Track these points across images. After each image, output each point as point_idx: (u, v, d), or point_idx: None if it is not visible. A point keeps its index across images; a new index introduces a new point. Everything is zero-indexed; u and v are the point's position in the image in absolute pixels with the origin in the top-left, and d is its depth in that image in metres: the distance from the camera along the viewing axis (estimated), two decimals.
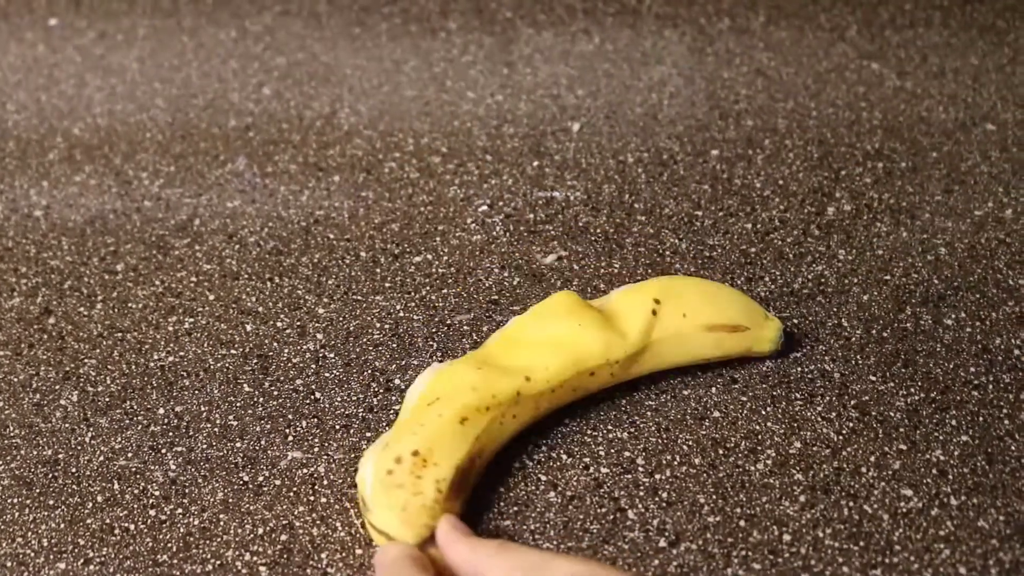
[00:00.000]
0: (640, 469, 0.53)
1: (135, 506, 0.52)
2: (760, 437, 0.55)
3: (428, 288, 0.63)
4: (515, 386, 0.51)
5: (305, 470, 0.54)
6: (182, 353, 0.60)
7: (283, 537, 0.51)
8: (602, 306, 0.55)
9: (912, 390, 0.57)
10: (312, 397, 0.57)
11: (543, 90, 0.78)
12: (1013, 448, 0.54)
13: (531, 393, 0.52)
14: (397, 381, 0.58)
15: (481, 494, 0.52)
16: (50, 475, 0.54)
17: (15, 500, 0.53)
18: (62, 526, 0.52)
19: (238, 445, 0.55)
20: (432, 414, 0.50)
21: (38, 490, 0.53)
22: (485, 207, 0.68)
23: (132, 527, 0.51)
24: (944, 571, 0.49)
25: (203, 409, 0.57)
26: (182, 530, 0.51)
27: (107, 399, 0.57)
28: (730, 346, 0.56)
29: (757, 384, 0.57)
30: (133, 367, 0.59)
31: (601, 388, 0.54)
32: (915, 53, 0.81)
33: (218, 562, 0.50)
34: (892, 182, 0.70)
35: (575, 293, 0.56)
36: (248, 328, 0.61)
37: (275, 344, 0.60)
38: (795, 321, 0.60)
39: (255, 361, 0.59)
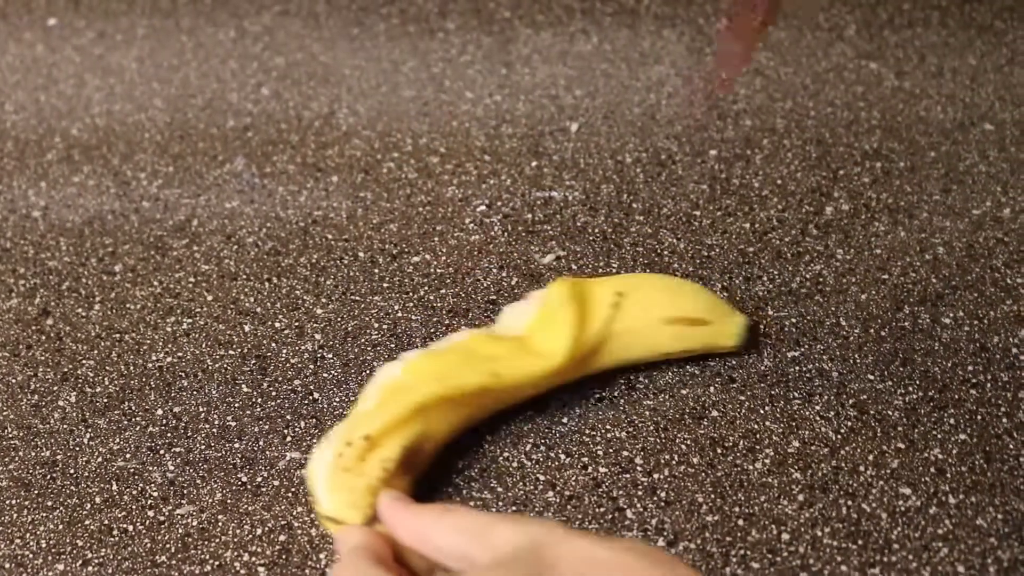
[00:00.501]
0: (638, 469, 0.53)
1: (134, 507, 0.52)
2: (758, 436, 0.55)
3: (426, 288, 0.63)
4: (481, 381, 0.51)
5: (304, 470, 0.54)
6: (180, 354, 0.60)
7: (282, 537, 0.51)
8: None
9: (910, 389, 0.57)
10: (311, 397, 0.57)
11: (541, 90, 0.78)
12: (1011, 446, 0.54)
13: (496, 389, 0.52)
14: None
15: (479, 495, 0.52)
16: (48, 476, 0.54)
17: (14, 501, 0.53)
18: (60, 527, 0.52)
19: (236, 446, 0.55)
20: (394, 403, 0.50)
21: (36, 491, 0.53)
22: (483, 207, 0.68)
23: (131, 528, 0.51)
24: (942, 569, 0.49)
25: (201, 410, 0.57)
26: (180, 531, 0.51)
27: (105, 400, 0.57)
28: (691, 339, 0.56)
29: (755, 383, 0.57)
30: (131, 368, 0.59)
31: (565, 382, 0.55)
32: (913, 53, 0.81)
33: (217, 563, 0.50)
34: (890, 182, 0.70)
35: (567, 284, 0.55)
36: (246, 328, 0.61)
37: (273, 344, 0.60)
38: (793, 320, 0.60)
39: (253, 361, 0.59)
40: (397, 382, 0.51)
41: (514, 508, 0.51)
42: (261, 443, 0.55)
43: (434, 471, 0.53)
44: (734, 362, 0.58)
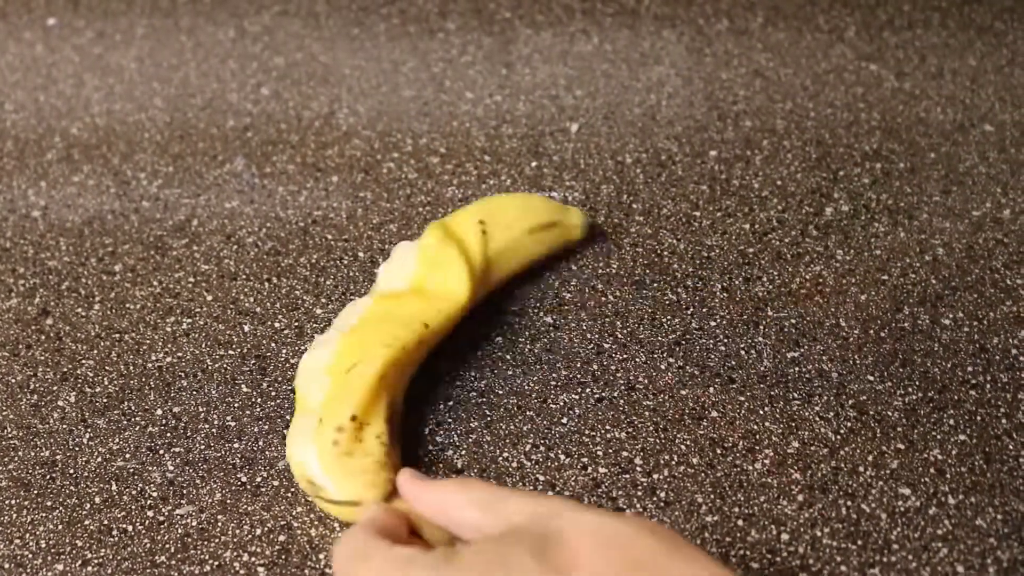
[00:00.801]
0: (638, 469, 0.53)
1: (133, 507, 0.52)
2: (758, 437, 0.55)
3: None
4: (418, 335, 0.54)
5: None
6: (180, 354, 0.60)
7: (281, 538, 0.51)
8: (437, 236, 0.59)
9: (910, 390, 0.57)
10: None
11: (541, 90, 0.78)
12: (1011, 447, 0.54)
13: (428, 337, 0.55)
14: None
15: None
16: (48, 476, 0.54)
17: (13, 501, 0.53)
18: (60, 527, 0.52)
19: (236, 446, 0.55)
20: (356, 378, 0.52)
21: (36, 491, 0.53)
22: None
23: (130, 528, 0.51)
24: (942, 570, 0.49)
25: (201, 410, 0.57)
26: (180, 531, 0.51)
27: (105, 400, 0.57)
28: (550, 241, 0.63)
29: (755, 384, 0.57)
30: (131, 368, 0.59)
31: (470, 310, 0.58)
32: (913, 54, 0.81)
33: (216, 563, 0.50)
34: (890, 183, 0.70)
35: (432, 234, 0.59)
36: (246, 328, 0.61)
37: (273, 345, 0.60)
38: (792, 321, 0.60)
39: (253, 362, 0.59)
40: (339, 363, 0.53)
41: None
42: (260, 443, 0.55)
43: (434, 471, 0.53)
44: (733, 362, 0.58)
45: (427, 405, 0.57)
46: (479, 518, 0.42)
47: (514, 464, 0.53)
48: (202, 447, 0.55)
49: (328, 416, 0.51)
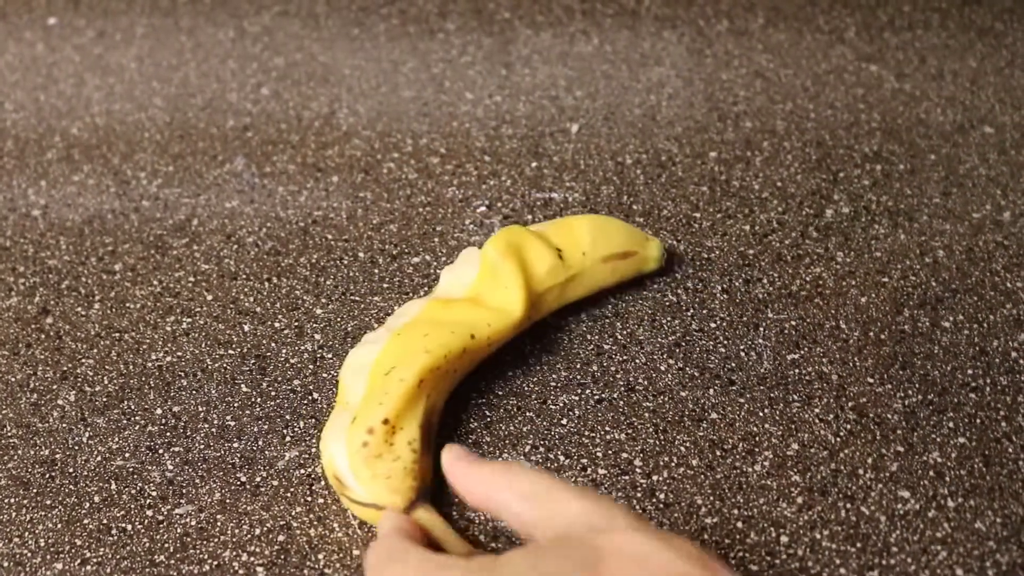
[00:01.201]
0: (638, 470, 0.53)
1: (132, 506, 0.52)
2: (758, 439, 0.55)
3: (426, 289, 0.63)
4: (462, 344, 0.53)
5: (302, 470, 0.54)
6: (180, 353, 0.60)
7: (280, 537, 0.51)
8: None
9: (910, 392, 0.57)
10: (310, 398, 0.57)
11: (541, 91, 0.78)
12: (1010, 450, 0.54)
13: (473, 349, 0.54)
14: None
15: None
16: (47, 475, 0.54)
17: (12, 500, 0.53)
18: (59, 526, 0.52)
19: (235, 445, 0.55)
20: (394, 381, 0.51)
21: (35, 490, 0.53)
22: (483, 208, 0.68)
23: (129, 527, 0.51)
24: (941, 573, 0.49)
25: (201, 409, 0.57)
26: (179, 530, 0.51)
27: (105, 399, 0.57)
28: (624, 271, 0.60)
29: (755, 386, 0.57)
30: (131, 367, 0.59)
31: (524, 328, 0.57)
32: (914, 55, 0.81)
33: (215, 562, 0.50)
34: (890, 184, 0.70)
35: (501, 241, 0.57)
36: (246, 328, 0.61)
37: (273, 344, 0.60)
38: (792, 323, 0.61)
39: (253, 361, 0.59)
40: (381, 363, 0.52)
41: None
42: (260, 443, 0.55)
43: (435, 472, 0.53)
44: (733, 364, 0.58)
45: None
46: (527, 512, 0.41)
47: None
48: (201, 447, 0.55)
49: (362, 416, 0.50)
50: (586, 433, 0.55)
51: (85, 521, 0.52)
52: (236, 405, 0.57)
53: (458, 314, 0.54)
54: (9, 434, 0.56)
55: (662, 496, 0.52)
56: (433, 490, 0.50)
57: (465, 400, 0.57)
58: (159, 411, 0.57)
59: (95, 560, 0.50)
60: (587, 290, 0.60)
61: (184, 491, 0.53)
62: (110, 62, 0.81)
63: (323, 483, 0.53)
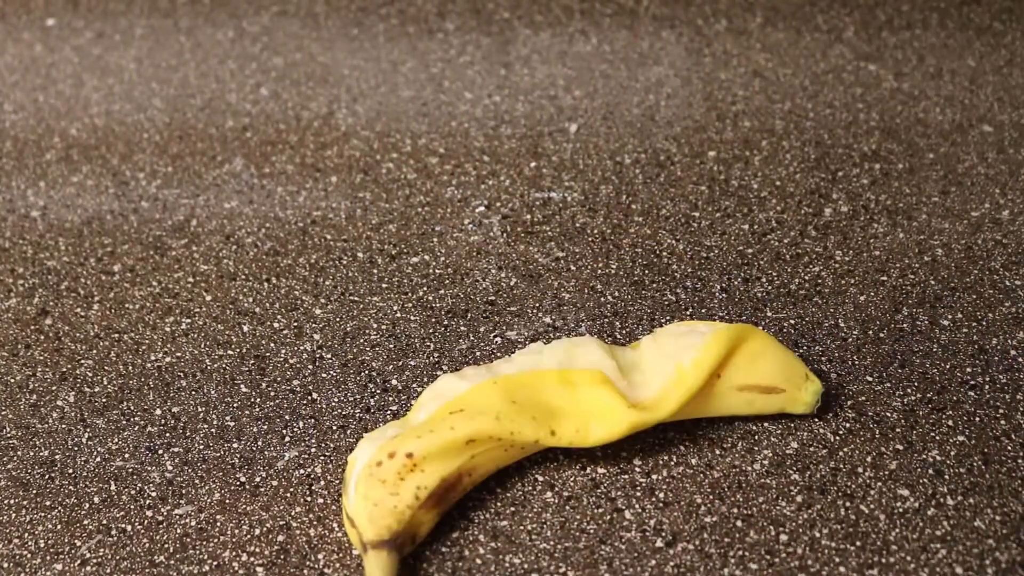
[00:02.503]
0: (637, 469, 0.53)
1: (132, 507, 0.52)
2: (757, 437, 0.55)
3: (425, 289, 0.63)
4: (537, 436, 0.50)
5: (302, 471, 0.54)
6: (179, 354, 0.60)
7: (280, 538, 0.51)
8: (637, 358, 0.52)
9: (908, 390, 0.57)
10: (309, 398, 0.57)
11: (540, 91, 0.78)
12: (1009, 448, 0.54)
13: (549, 444, 0.50)
14: (394, 382, 0.58)
15: (477, 494, 0.52)
16: (47, 476, 0.54)
17: (12, 501, 0.53)
18: (59, 527, 0.52)
19: (235, 446, 0.55)
20: (446, 424, 0.49)
21: (35, 491, 0.53)
22: (482, 208, 0.68)
23: (129, 528, 0.51)
24: (940, 571, 0.49)
25: (200, 410, 0.57)
26: (179, 531, 0.51)
27: (104, 400, 0.57)
28: (761, 405, 0.53)
29: None
30: (130, 368, 0.59)
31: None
32: (912, 55, 0.81)
33: (215, 563, 0.50)
34: (889, 183, 0.70)
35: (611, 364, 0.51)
36: (245, 329, 0.61)
37: (272, 345, 0.60)
38: (791, 321, 0.61)
39: (252, 362, 0.59)
40: (457, 402, 0.49)
41: (512, 508, 0.51)
42: (260, 443, 0.55)
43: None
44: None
45: None
46: None
47: (512, 464, 0.53)
48: (201, 447, 0.55)
49: (400, 438, 0.48)
50: None
51: (85, 522, 0.52)
52: (235, 405, 0.57)
53: (554, 401, 0.50)
54: (8, 435, 0.56)
55: (661, 495, 0.52)
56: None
57: None
58: (158, 412, 0.57)
59: (95, 561, 0.50)
60: (711, 412, 0.53)
61: (184, 491, 0.53)
62: (109, 63, 0.81)
63: (323, 483, 0.53)
